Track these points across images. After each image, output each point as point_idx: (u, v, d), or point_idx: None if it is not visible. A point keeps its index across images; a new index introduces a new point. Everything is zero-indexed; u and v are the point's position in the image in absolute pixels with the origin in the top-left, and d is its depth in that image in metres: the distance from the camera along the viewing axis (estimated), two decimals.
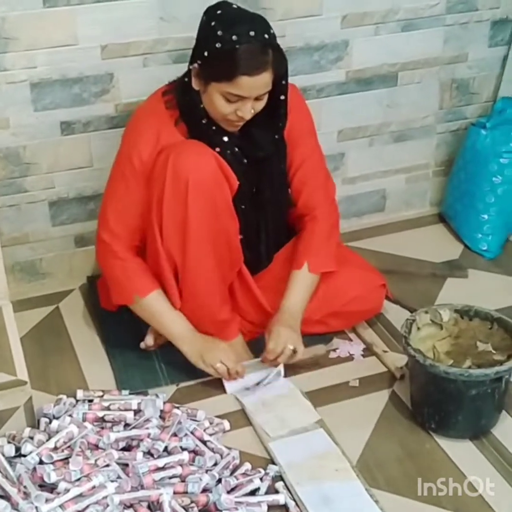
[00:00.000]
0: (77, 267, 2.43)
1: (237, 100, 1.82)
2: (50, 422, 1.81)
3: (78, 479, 1.62)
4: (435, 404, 1.84)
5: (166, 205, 1.87)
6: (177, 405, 1.91)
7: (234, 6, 1.85)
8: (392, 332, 2.20)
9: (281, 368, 2.01)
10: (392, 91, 2.54)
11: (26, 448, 1.71)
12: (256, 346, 2.06)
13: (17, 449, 1.75)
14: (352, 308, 2.14)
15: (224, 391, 1.99)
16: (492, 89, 2.67)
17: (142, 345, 2.09)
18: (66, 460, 1.68)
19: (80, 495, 1.59)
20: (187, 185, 1.84)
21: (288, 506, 1.67)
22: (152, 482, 1.65)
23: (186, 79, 1.89)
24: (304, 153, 2.06)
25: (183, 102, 1.91)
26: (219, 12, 1.81)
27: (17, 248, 2.34)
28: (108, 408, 1.85)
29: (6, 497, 1.61)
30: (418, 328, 1.92)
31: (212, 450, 1.79)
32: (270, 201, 2.05)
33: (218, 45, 1.77)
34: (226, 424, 1.88)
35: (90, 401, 1.92)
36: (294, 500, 1.69)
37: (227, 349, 1.98)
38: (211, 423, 1.88)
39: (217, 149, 1.90)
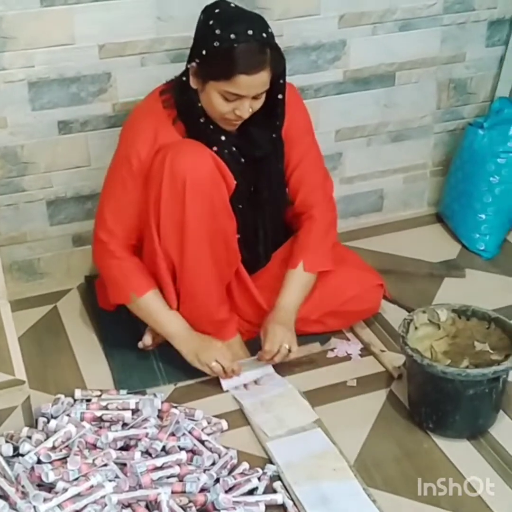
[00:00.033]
0: (75, 266, 2.43)
1: (235, 99, 1.82)
2: (48, 421, 1.81)
3: (76, 479, 1.62)
4: (432, 403, 1.84)
5: (164, 205, 1.87)
6: (175, 405, 1.91)
7: (232, 5, 1.85)
8: (389, 331, 2.20)
9: (270, 366, 2.03)
10: (390, 91, 2.54)
11: (24, 447, 1.71)
12: (254, 345, 2.06)
13: (15, 448, 1.75)
14: (350, 307, 2.14)
15: (221, 389, 1.99)
16: (489, 89, 2.67)
17: (140, 344, 2.09)
18: (64, 459, 1.68)
19: (78, 495, 1.59)
20: (184, 185, 1.84)
21: (286, 505, 1.67)
22: (150, 482, 1.65)
23: (184, 78, 1.89)
24: (301, 152, 2.06)
25: (181, 101, 1.91)
26: (217, 11, 1.81)
27: (15, 248, 2.34)
28: (106, 408, 1.85)
29: (4, 496, 1.61)
30: (416, 328, 1.92)
31: (210, 449, 1.79)
32: (268, 201, 2.05)
33: (216, 43, 1.77)
34: (224, 424, 1.88)
35: (88, 400, 1.92)
36: (292, 499, 1.69)
37: (223, 348, 1.98)
38: (209, 423, 1.88)
39: (215, 148, 1.90)
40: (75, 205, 2.34)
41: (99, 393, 1.95)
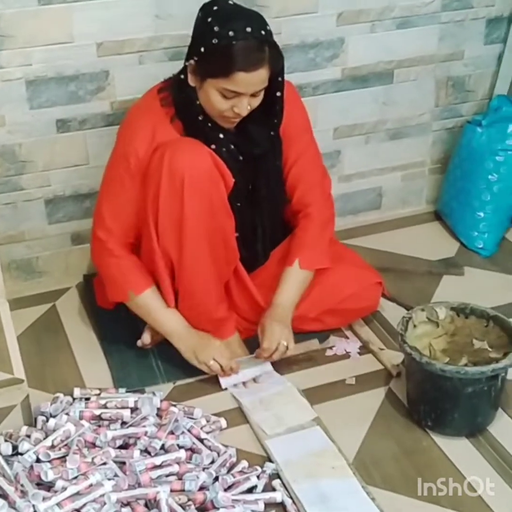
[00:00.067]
0: (74, 265, 2.42)
1: (234, 97, 1.82)
2: (47, 420, 1.81)
3: (75, 477, 1.62)
4: (431, 401, 1.84)
5: (162, 203, 1.86)
6: (174, 403, 1.91)
7: (231, 2, 1.85)
8: (388, 329, 2.20)
9: (269, 363, 2.03)
10: (388, 88, 2.53)
11: (23, 446, 1.71)
12: (253, 343, 2.05)
13: (14, 447, 1.75)
14: (348, 305, 2.14)
15: (220, 387, 2.00)
16: (487, 87, 2.67)
17: (139, 343, 2.09)
18: (63, 458, 1.68)
19: (77, 493, 1.59)
20: (182, 183, 1.84)
21: (285, 503, 1.68)
22: (149, 480, 1.65)
23: (182, 76, 1.89)
24: (299, 150, 2.06)
25: (179, 99, 1.90)
26: (215, 8, 1.81)
27: (13, 246, 2.34)
28: (105, 406, 1.85)
29: (4, 495, 1.61)
30: (414, 326, 1.92)
31: (209, 448, 1.79)
32: (266, 198, 2.05)
33: (214, 41, 1.77)
34: (223, 422, 1.88)
35: (87, 399, 1.92)
36: (291, 497, 1.69)
37: (221, 346, 1.98)
38: (208, 421, 1.88)
39: (213, 146, 1.90)
40: (73, 203, 2.34)
41: (98, 391, 1.96)
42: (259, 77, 1.81)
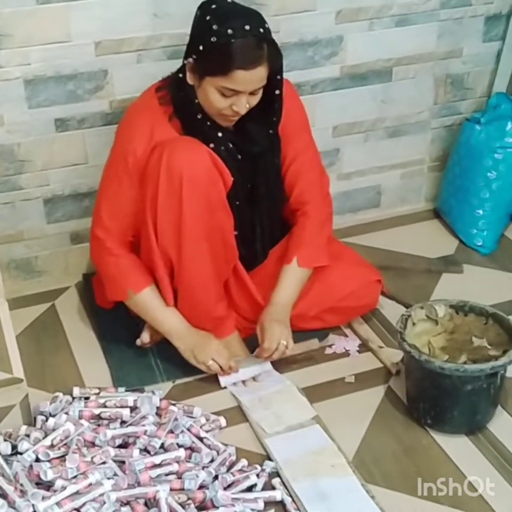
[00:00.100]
0: (73, 264, 2.42)
1: (232, 95, 1.82)
2: (47, 419, 1.81)
3: (75, 477, 1.62)
4: (430, 399, 1.84)
5: (161, 202, 1.86)
6: (173, 402, 1.91)
7: (229, 0, 1.85)
8: (387, 327, 2.20)
9: (268, 362, 2.03)
10: (387, 86, 2.53)
11: (23, 446, 1.71)
12: (252, 342, 2.05)
13: (14, 447, 1.75)
14: (348, 303, 2.14)
15: (220, 386, 2.00)
16: (486, 84, 2.67)
17: (138, 342, 2.09)
18: (62, 457, 1.68)
19: (77, 493, 1.59)
20: (181, 182, 1.84)
21: (284, 502, 1.68)
22: (149, 479, 1.65)
23: (180, 75, 1.89)
24: (297, 148, 2.06)
25: (178, 98, 1.90)
26: (214, 6, 1.81)
27: (12, 246, 2.34)
28: (104, 406, 1.85)
29: (3, 495, 1.61)
30: (414, 324, 1.92)
31: (208, 446, 1.79)
32: (265, 197, 2.05)
33: (213, 39, 1.77)
34: (223, 421, 1.89)
35: (86, 398, 1.92)
36: (291, 496, 1.69)
37: (220, 346, 1.98)
38: (207, 420, 1.88)
39: (211, 145, 1.90)
40: (72, 203, 2.34)
41: (97, 390, 1.96)
42: (258, 75, 1.80)
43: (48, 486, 1.62)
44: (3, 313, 2.11)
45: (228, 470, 1.74)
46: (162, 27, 2.17)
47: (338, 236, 2.40)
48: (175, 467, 1.70)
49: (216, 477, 1.70)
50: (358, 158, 2.63)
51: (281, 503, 1.68)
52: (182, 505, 1.62)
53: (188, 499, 1.64)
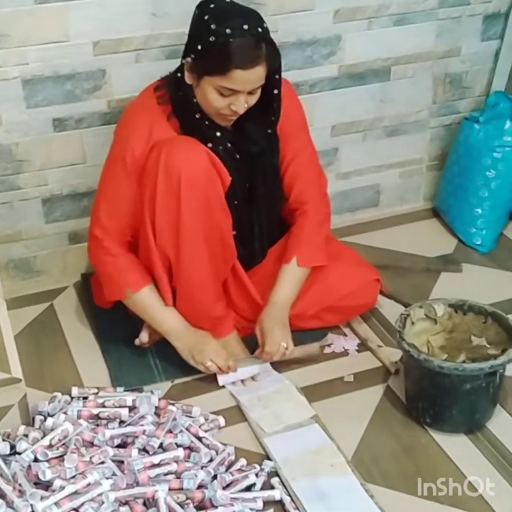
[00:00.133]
0: (71, 264, 2.42)
1: (231, 94, 1.82)
2: (45, 419, 1.81)
3: (73, 477, 1.62)
4: (429, 398, 1.84)
5: (159, 202, 1.86)
6: (172, 402, 1.91)
7: (227, 0, 1.85)
8: (386, 327, 2.20)
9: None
10: (385, 85, 2.53)
11: (21, 446, 1.71)
12: (251, 342, 2.05)
13: (12, 447, 1.74)
14: (347, 303, 2.14)
15: (218, 386, 1.99)
16: (485, 83, 2.67)
17: (137, 341, 2.09)
18: (61, 457, 1.68)
19: (75, 493, 1.59)
20: (179, 181, 1.83)
21: (283, 501, 1.68)
22: (148, 479, 1.65)
23: (178, 74, 1.88)
24: (296, 148, 2.06)
25: (176, 97, 1.90)
26: (212, 6, 1.81)
27: (11, 246, 2.34)
28: (103, 405, 1.85)
29: (1, 495, 1.61)
30: (413, 323, 1.92)
31: (207, 446, 1.79)
32: (264, 196, 2.05)
33: (211, 38, 1.77)
34: (221, 420, 1.88)
35: (85, 398, 1.92)
36: (290, 495, 1.69)
37: (218, 347, 1.97)
38: (206, 420, 1.88)
39: (210, 145, 1.90)
40: (70, 202, 2.34)
41: (96, 390, 1.95)
42: (256, 75, 1.80)
43: (46, 486, 1.62)
44: (2, 313, 2.10)
45: (227, 470, 1.74)
46: (161, 27, 2.17)
47: (337, 235, 2.40)
48: (173, 466, 1.70)
49: (215, 477, 1.70)
50: (357, 158, 2.63)
51: (280, 502, 1.68)
52: (181, 504, 1.62)
53: (187, 498, 1.63)
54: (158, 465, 1.69)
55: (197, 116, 1.89)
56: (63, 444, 1.71)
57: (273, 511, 1.66)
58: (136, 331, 2.09)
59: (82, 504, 1.58)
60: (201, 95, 1.85)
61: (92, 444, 1.74)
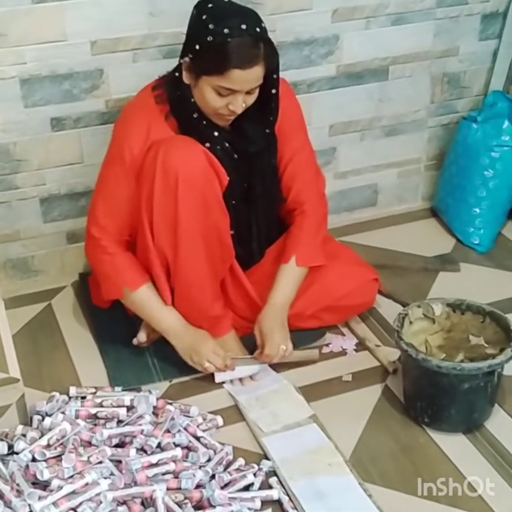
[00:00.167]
0: (69, 263, 2.42)
1: (229, 94, 1.82)
2: (43, 419, 1.81)
3: (71, 476, 1.62)
4: (427, 398, 1.84)
5: (156, 201, 1.86)
6: (170, 401, 1.91)
7: None
8: (384, 326, 2.20)
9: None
10: (383, 85, 2.53)
11: (19, 445, 1.71)
12: (249, 341, 2.05)
13: (10, 446, 1.74)
14: (345, 302, 2.14)
15: (217, 385, 1.99)
16: (483, 83, 2.67)
17: (135, 341, 2.09)
18: (59, 457, 1.68)
19: (73, 492, 1.59)
20: (177, 181, 1.83)
21: (281, 501, 1.68)
22: (146, 479, 1.65)
23: (176, 74, 1.88)
24: (294, 147, 2.06)
25: (174, 97, 1.90)
26: (210, 5, 1.81)
27: (9, 245, 2.34)
28: (101, 405, 1.85)
29: None
30: (411, 322, 1.92)
31: (205, 446, 1.79)
32: (261, 196, 2.05)
33: (209, 38, 1.76)
34: (219, 420, 1.88)
35: (83, 398, 1.91)
36: (288, 495, 1.69)
37: (216, 347, 1.97)
38: (204, 419, 1.88)
39: (207, 145, 1.90)
40: (68, 202, 2.34)
41: (94, 390, 1.95)
42: (254, 75, 1.80)
43: (44, 485, 1.62)
44: (0, 312, 2.11)
45: (225, 469, 1.74)
46: (158, 26, 2.17)
47: (335, 235, 2.40)
48: (171, 466, 1.70)
49: (213, 477, 1.70)
50: (355, 157, 2.63)
51: (278, 502, 1.68)
52: (179, 504, 1.62)
53: (185, 498, 1.63)
54: (156, 464, 1.69)
55: (195, 115, 1.89)
56: (61, 443, 1.71)
57: (271, 510, 1.66)
58: (134, 330, 2.09)
59: (80, 503, 1.58)
60: (199, 95, 1.85)
61: (90, 443, 1.74)
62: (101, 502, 1.58)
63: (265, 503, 1.67)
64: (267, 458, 1.79)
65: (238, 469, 1.73)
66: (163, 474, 1.69)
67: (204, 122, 1.90)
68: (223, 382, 2.00)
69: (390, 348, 2.08)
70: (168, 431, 1.79)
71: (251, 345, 2.04)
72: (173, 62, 1.93)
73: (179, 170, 1.82)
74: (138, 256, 1.99)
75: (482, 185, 2.52)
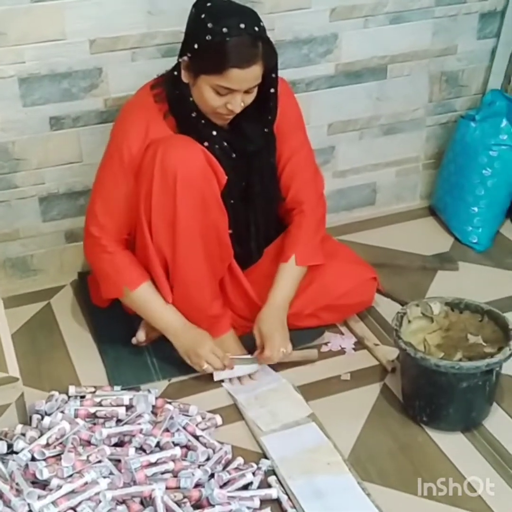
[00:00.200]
0: (68, 262, 2.42)
1: (227, 93, 1.82)
2: (42, 418, 1.81)
3: (70, 476, 1.62)
4: (426, 397, 1.84)
5: (155, 200, 1.86)
6: (169, 400, 1.91)
7: None
8: (383, 325, 2.20)
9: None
10: (382, 84, 2.53)
11: (18, 445, 1.71)
12: (248, 340, 2.05)
13: (9, 446, 1.74)
14: (344, 301, 2.14)
15: (216, 385, 1.99)
16: (481, 82, 2.67)
17: (134, 340, 2.08)
18: (58, 456, 1.68)
19: (73, 492, 1.59)
20: (175, 180, 1.83)
21: (280, 500, 1.68)
22: (145, 478, 1.65)
23: (175, 73, 1.88)
24: (293, 147, 2.06)
25: (173, 96, 1.90)
26: (208, 4, 1.81)
27: (8, 244, 2.34)
28: (100, 404, 1.85)
29: None
30: (409, 321, 1.92)
31: (204, 445, 1.79)
32: (260, 195, 2.05)
33: (208, 37, 1.76)
34: (218, 419, 1.89)
35: (82, 397, 1.91)
36: (287, 494, 1.69)
37: (214, 348, 1.96)
38: (203, 418, 1.88)
39: (206, 144, 1.90)
40: (67, 201, 2.34)
41: (93, 389, 1.95)
42: (252, 74, 1.80)
43: (43, 485, 1.62)
44: None
45: (224, 468, 1.74)
46: (157, 25, 2.17)
47: (333, 234, 2.40)
48: (171, 465, 1.70)
49: (212, 476, 1.71)
50: (353, 156, 2.63)
51: (277, 501, 1.68)
52: (178, 503, 1.62)
53: (184, 497, 1.64)
54: (155, 463, 1.69)
55: (194, 114, 1.89)
56: (60, 443, 1.71)
57: (270, 509, 1.66)
58: (133, 329, 2.09)
59: (79, 503, 1.58)
60: (197, 94, 1.85)
61: (89, 443, 1.74)
62: (100, 501, 1.59)
63: (264, 502, 1.67)
64: (266, 457, 1.79)
65: (237, 468, 1.74)
66: (162, 473, 1.69)
67: (203, 121, 1.90)
68: (222, 381, 2.01)
69: (389, 347, 2.08)
70: (167, 430, 1.79)
71: (250, 345, 2.04)
72: (172, 61, 1.93)
73: (178, 169, 1.83)
74: (137, 254, 1.99)
75: (480, 184, 2.52)
